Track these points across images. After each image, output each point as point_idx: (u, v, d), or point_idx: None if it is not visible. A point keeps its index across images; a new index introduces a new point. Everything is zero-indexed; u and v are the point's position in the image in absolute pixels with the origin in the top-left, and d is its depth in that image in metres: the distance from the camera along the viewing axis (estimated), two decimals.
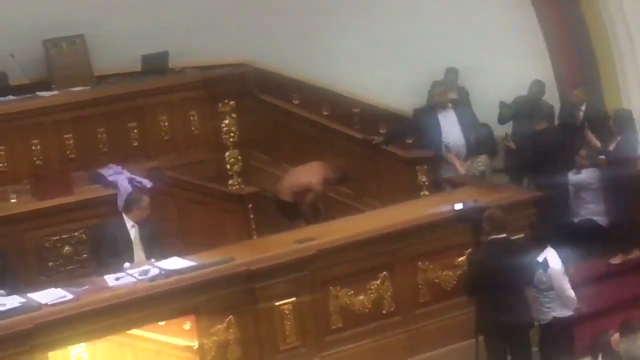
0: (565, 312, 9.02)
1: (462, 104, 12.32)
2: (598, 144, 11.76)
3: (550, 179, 10.87)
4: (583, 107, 12.32)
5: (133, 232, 9.58)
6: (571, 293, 8.95)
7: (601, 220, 11.36)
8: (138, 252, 9.51)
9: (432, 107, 12.02)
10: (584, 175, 11.35)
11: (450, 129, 11.89)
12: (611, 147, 11.50)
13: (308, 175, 11.43)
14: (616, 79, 12.57)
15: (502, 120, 12.48)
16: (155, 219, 9.89)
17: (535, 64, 12.88)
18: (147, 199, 9.77)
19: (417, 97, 12.46)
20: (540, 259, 8.87)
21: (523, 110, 12.26)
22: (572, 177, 11.36)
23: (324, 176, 11.42)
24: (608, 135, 11.72)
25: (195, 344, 8.56)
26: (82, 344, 8.51)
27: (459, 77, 12.86)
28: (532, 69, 12.77)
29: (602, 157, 11.46)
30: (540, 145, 11.33)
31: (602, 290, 10.64)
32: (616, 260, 11.18)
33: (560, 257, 8.98)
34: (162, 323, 8.56)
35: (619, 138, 11.49)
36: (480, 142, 11.60)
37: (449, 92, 12.20)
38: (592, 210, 11.39)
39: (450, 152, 11.63)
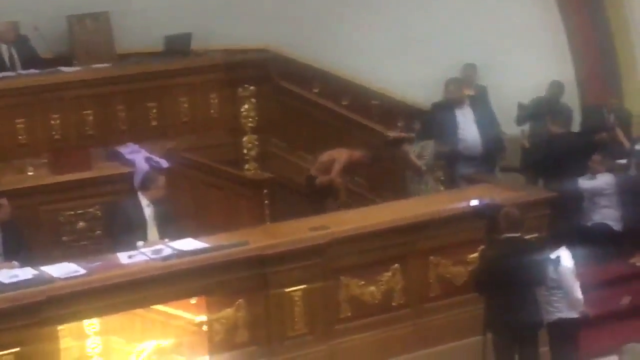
0: (571, 314, 8.99)
1: (480, 101, 12.29)
2: (627, 143, 11.74)
3: (563, 184, 10.83)
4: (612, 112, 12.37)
5: (148, 211, 9.60)
6: (579, 294, 8.93)
7: (615, 225, 11.34)
8: (152, 231, 9.53)
9: (449, 103, 12.00)
10: (599, 181, 11.31)
11: (467, 126, 11.87)
12: (637, 147, 11.50)
13: (335, 152, 11.46)
14: (637, 82, 12.54)
15: (519, 122, 12.47)
16: (170, 200, 9.91)
17: (557, 64, 12.86)
18: (163, 179, 9.80)
19: (437, 91, 12.44)
20: (553, 256, 8.86)
21: (541, 111, 12.23)
22: (587, 182, 11.32)
23: (350, 154, 11.42)
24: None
25: (199, 317, 8.59)
26: None
27: (479, 74, 12.82)
28: (553, 69, 12.75)
29: (622, 161, 11.45)
30: (554, 150, 11.30)
31: (614, 294, 10.63)
32: (636, 260, 11.16)
33: (574, 258, 8.96)
34: None
35: None
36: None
37: (464, 89, 12.19)
38: (606, 215, 11.35)
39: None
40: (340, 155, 11.41)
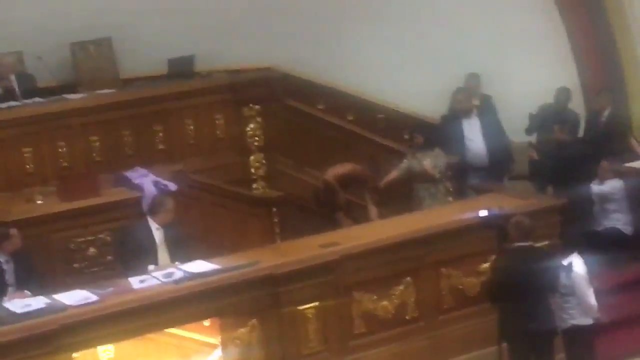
0: (585, 321, 8.94)
1: (486, 111, 12.27)
2: None
3: (573, 191, 10.79)
4: (606, 114, 12.28)
5: (158, 234, 9.58)
6: (592, 301, 8.88)
7: (626, 228, 11.32)
8: (163, 255, 9.51)
9: (457, 114, 11.99)
10: (608, 187, 11.28)
11: (473, 137, 11.88)
12: None
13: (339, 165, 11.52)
14: None
15: (529, 132, 12.42)
16: (180, 222, 9.90)
17: (561, 70, 12.84)
18: (172, 202, 9.77)
19: (442, 103, 12.45)
20: (565, 262, 8.84)
21: (548, 119, 12.20)
22: (595, 187, 11.31)
23: (353, 167, 11.43)
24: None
25: (213, 339, 8.62)
26: None
27: (483, 84, 12.80)
28: (557, 75, 12.71)
29: (635, 164, 11.41)
30: (563, 158, 11.27)
31: (630, 298, 10.59)
32: None
33: (586, 264, 8.93)
34: None
35: None
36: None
37: (472, 99, 12.18)
38: (616, 220, 11.34)
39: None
40: (342, 166, 11.38)
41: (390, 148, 12.46)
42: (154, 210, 9.71)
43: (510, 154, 12.12)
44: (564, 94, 12.36)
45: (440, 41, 12.88)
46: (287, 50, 13.15)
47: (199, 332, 8.68)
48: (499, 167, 11.99)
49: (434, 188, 11.37)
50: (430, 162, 11.33)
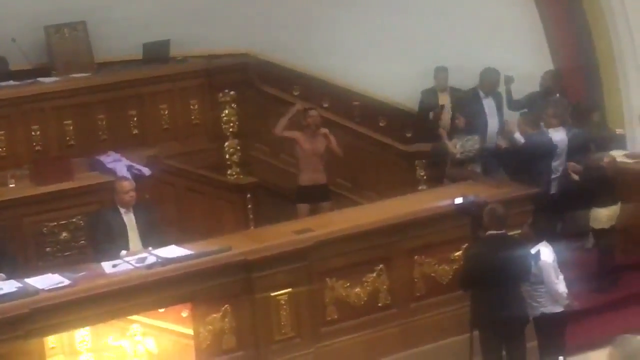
0: (555, 308, 8.97)
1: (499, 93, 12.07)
2: None
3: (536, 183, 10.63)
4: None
5: (127, 218, 9.50)
6: (561, 288, 8.91)
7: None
8: (135, 239, 9.47)
9: (477, 93, 11.86)
10: (556, 137, 11.06)
11: (492, 118, 11.79)
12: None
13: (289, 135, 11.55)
14: (616, 76, 12.55)
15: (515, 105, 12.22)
16: (153, 207, 9.88)
17: (536, 60, 12.84)
18: (124, 185, 9.60)
19: (416, 89, 12.46)
20: (533, 251, 8.86)
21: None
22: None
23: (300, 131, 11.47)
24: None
25: (191, 331, 8.60)
26: (87, 328, 8.48)
27: (459, 72, 12.74)
28: (532, 65, 12.73)
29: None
30: (524, 152, 11.10)
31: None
32: None
33: (555, 252, 8.96)
34: (161, 310, 8.56)
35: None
36: None
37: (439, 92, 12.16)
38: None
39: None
40: (293, 135, 11.41)
41: (365, 135, 12.47)
42: (113, 194, 9.62)
43: None
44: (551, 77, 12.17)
45: (416, 29, 12.86)
46: (263, 36, 13.12)
47: (176, 322, 8.63)
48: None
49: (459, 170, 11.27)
50: (460, 143, 11.23)
